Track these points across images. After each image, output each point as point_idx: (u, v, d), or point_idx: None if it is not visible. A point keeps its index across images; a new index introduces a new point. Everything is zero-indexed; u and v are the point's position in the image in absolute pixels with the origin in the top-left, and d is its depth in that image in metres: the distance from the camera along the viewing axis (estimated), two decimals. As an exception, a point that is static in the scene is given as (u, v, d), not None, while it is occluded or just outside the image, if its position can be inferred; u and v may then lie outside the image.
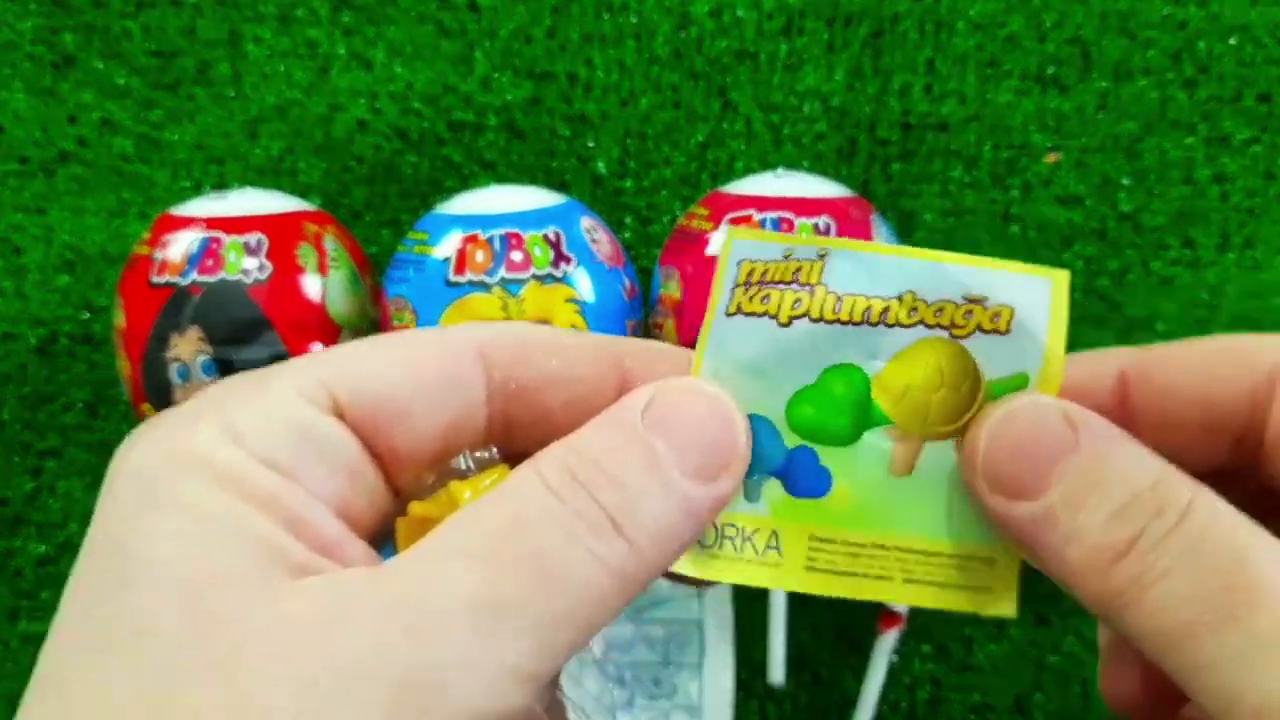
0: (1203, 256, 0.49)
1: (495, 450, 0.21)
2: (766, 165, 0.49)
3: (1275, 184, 0.49)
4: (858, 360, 0.21)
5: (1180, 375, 0.21)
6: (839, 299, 0.21)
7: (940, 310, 0.21)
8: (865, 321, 0.21)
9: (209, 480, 0.18)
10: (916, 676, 0.50)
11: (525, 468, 0.19)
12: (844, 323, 0.21)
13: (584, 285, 0.42)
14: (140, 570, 0.17)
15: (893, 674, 0.49)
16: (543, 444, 0.20)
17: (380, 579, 0.18)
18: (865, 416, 0.21)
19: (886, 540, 0.21)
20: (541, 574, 0.18)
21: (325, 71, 0.50)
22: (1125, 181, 0.49)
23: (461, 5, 0.49)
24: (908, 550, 0.21)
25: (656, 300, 0.44)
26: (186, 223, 0.43)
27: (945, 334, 0.21)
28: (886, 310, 0.21)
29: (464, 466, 0.21)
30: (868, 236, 0.42)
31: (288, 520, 0.18)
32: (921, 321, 0.21)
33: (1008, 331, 0.21)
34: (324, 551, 0.19)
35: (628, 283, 0.44)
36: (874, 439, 0.21)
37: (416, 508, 0.21)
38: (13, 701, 0.51)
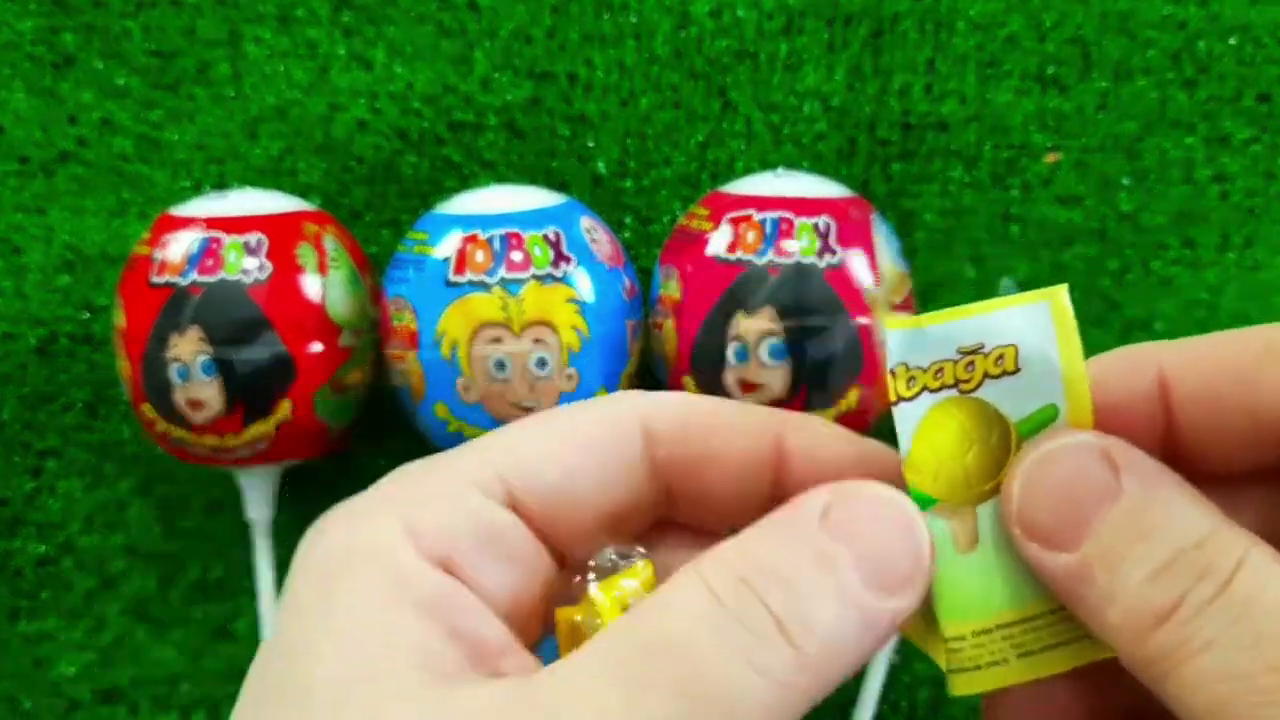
0: (1203, 256, 0.49)
1: (639, 548, 0.21)
2: (766, 165, 0.49)
3: (1275, 184, 0.49)
4: None
5: (1223, 375, 0.19)
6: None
7: (940, 371, 0.20)
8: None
9: (381, 582, 0.18)
10: (917, 676, 0.50)
11: (688, 570, 0.18)
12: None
13: (584, 285, 0.42)
14: (302, 669, 0.18)
15: (893, 674, 0.49)
16: (695, 521, 0.20)
17: (525, 694, 0.17)
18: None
19: (986, 624, 0.20)
20: (694, 695, 0.17)
21: (325, 71, 0.50)
22: (1125, 181, 0.49)
23: (461, 5, 0.49)
24: (1008, 624, 0.20)
25: (656, 300, 0.44)
26: (186, 223, 0.43)
27: (954, 393, 0.20)
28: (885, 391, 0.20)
29: (608, 563, 0.21)
30: (868, 237, 0.42)
31: (451, 628, 0.18)
32: (925, 389, 0.20)
33: (1017, 370, 0.19)
34: (482, 661, 0.18)
35: (628, 283, 0.44)
36: (930, 524, 0.20)
37: (562, 615, 0.20)
38: (13, 701, 0.51)
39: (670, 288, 0.43)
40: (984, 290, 0.49)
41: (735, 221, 0.42)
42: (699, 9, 0.49)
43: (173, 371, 0.42)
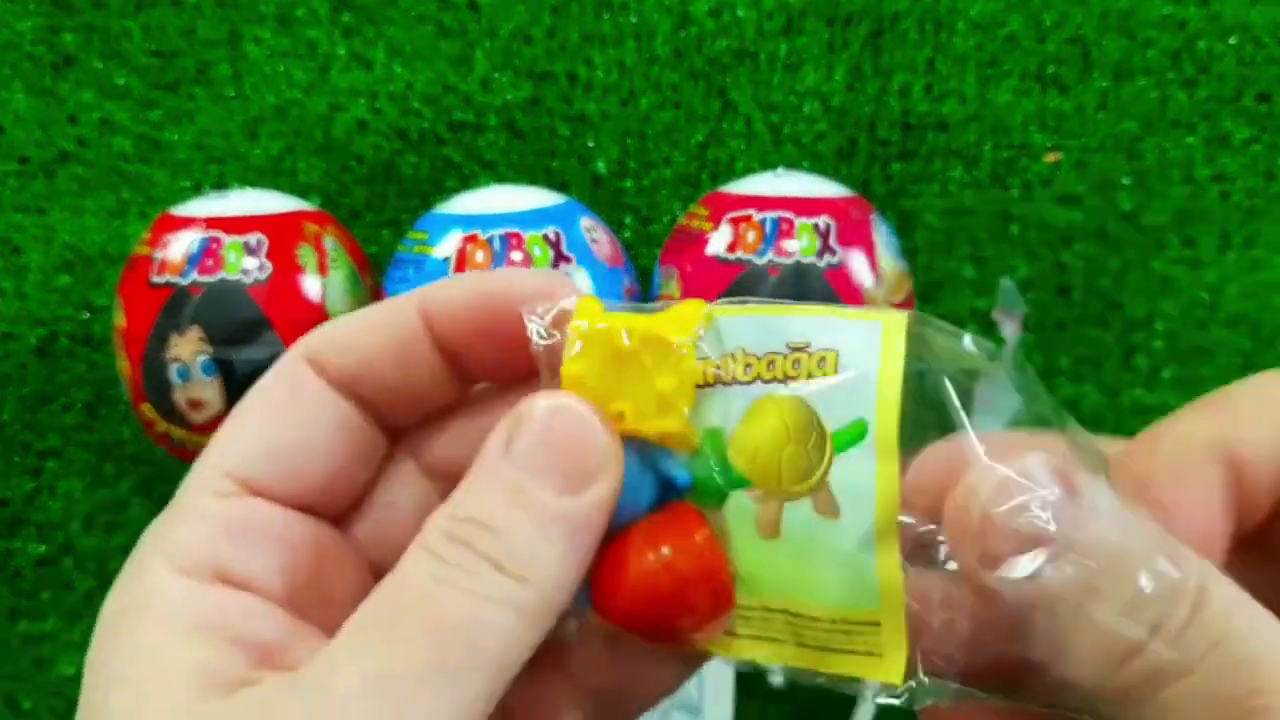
0: (1203, 256, 0.49)
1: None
2: (766, 165, 0.49)
3: (1275, 184, 0.49)
4: (719, 422, 0.21)
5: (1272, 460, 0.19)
6: (702, 366, 0.21)
7: (771, 363, 0.20)
8: (718, 382, 0.21)
9: (151, 624, 0.20)
10: (916, 676, 0.50)
11: (412, 545, 0.20)
12: (700, 386, 0.21)
13: (584, 285, 0.42)
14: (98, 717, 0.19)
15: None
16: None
17: (295, 681, 0.18)
18: (730, 478, 0.21)
19: (771, 603, 0.21)
20: (433, 632, 0.18)
21: (325, 71, 0.50)
22: (1125, 181, 0.49)
23: (461, 5, 0.49)
24: (794, 614, 0.21)
25: (656, 300, 0.44)
26: (186, 223, 0.43)
27: (782, 388, 0.20)
28: (721, 369, 0.20)
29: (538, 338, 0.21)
30: (868, 236, 0.42)
31: (230, 639, 0.19)
32: (759, 377, 0.20)
33: (836, 374, 0.20)
34: (270, 659, 0.20)
35: (628, 283, 0.44)
36: (741, 499, 0.21)
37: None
38: (13, 701, 0.51)
39: (670, 288, 0.43)
40: (984, 290, 0.49)
41: (735, 221, 0.42)
42: (699, 9, 0.49)
43: (173, 371, 0.42)
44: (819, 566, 0.20)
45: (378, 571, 0.22)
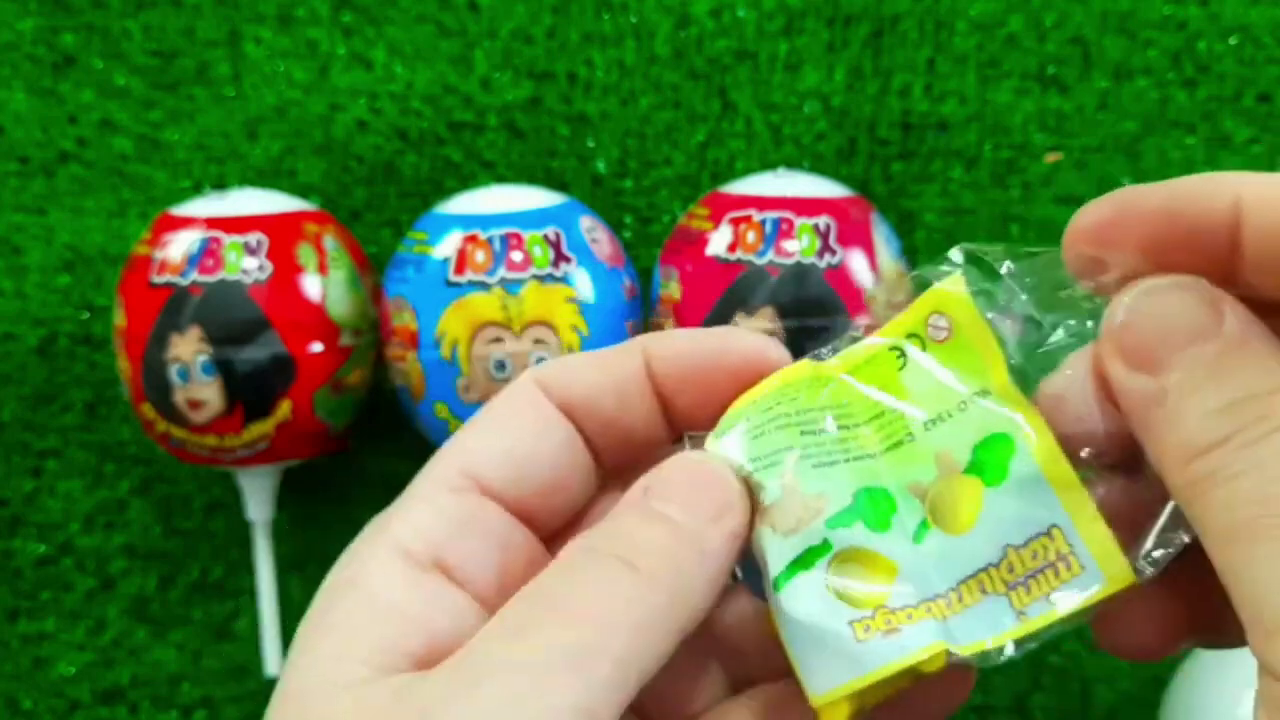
0: (1203, 256, 0.49)
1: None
2: (766, 165, 0.49)
3: (1275, 184, 0.49)
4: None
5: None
6: None
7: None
8: None
9: (360, 601, 0.21)
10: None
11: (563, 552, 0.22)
12: None
13: (584, 285, 0.42)
14: (285, 681, 0.21)
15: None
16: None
17: (440, 667, 0.20)
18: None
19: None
20: (559, 611, 0.20)
21: (325, 71, 0.50)
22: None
23: (461, 5, 0.49)
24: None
25: (656, 300, 0.44)
26: (186, 223, 0.43)
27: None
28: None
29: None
30: (868, 236, 0.42)
31: (423, 632, 0.21)
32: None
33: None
34: (447, 655, 0.21)
35: (628, 283, 0.44)
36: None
37: None
38: (13, 701, 0.51)
39: (670, 288, 0.43)
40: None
41: (735, 221, 0.42)
42: (699, 9, 0.49)
43: (173, 371, 0.42)
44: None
45: None
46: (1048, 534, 0.20)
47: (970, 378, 0.22)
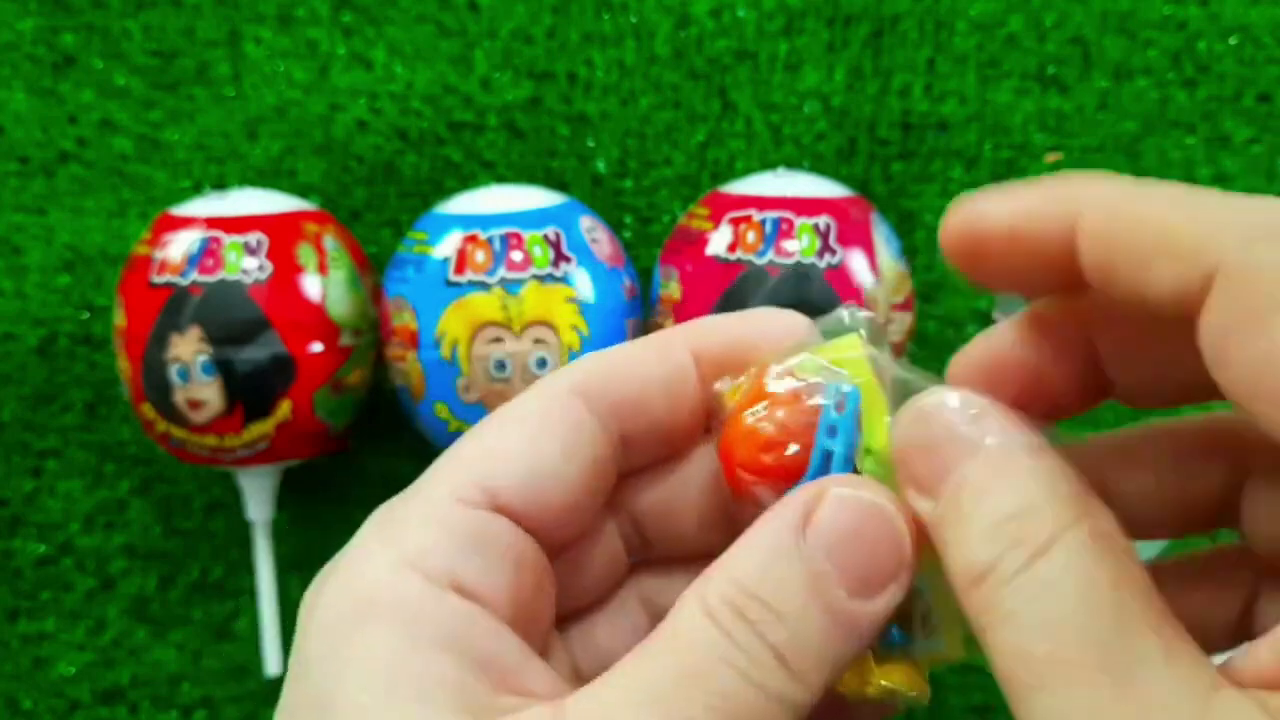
0: (1203, 256, 0.49)
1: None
2: (766, 165, 0.49)
3: (1276, 184, 0.49)
4: None
5: (1124, 252, 0.19)
6: None
7: None
8: None
9: (396, 627, 0.19)
10: (916, 676, 0.50)
11: (689, 600, 0.19)
12: None
13: (584, 285, 0.42)
14: None
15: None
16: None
17: (559, 717, 0.18)
18: None
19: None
20: (710, 713, 0.18)
21: (325, 71, 0.50)
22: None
23: (461, 5, 0.49)
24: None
25: (656, 300, 0.44)
26: (186, 223, 0.43)
27: None
28: None
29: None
30: (868, 236, 0.42)
31: (475, 657, 0.19)
32: None
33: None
34: (506, 682, 0.19)
35: (628, 283, 0.44)
36: None
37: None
38: (13, 702, 0.51)
39: (670, 288, 0.43)
40: (984, 290, 0.49)
41: (735, 221, 0.42)
42: (699, 9, 0.49)
43: (173, 371, 0.42)
44: None
45: (560, 604, 0.23)
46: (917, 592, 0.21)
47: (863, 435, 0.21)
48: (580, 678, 0.23)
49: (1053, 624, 0.17)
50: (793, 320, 0.23)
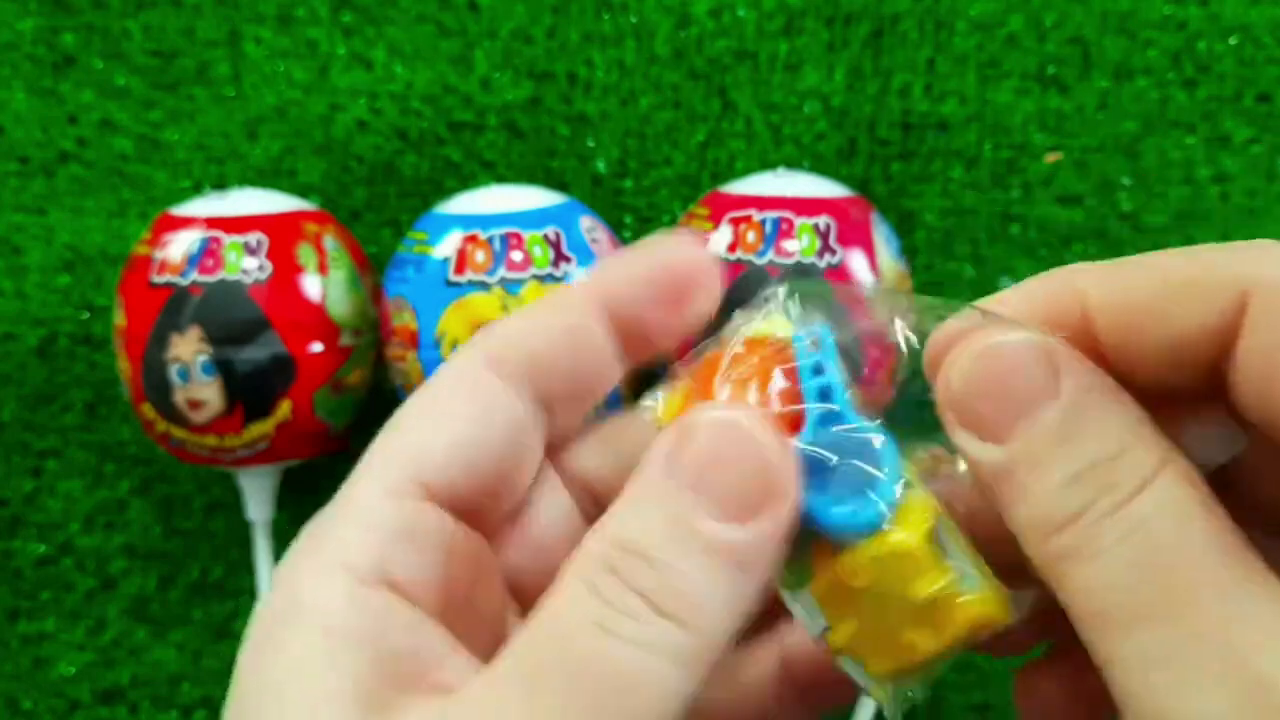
0: (1203, 256, 0.49)
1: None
2: (766, 165, 0.49)
3: (1276, 184, 0.49)
4: None
5: (1142, 305, 0.18)
6: None
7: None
8: None
9: (308, 630, 0.19)
10: (916, 676, 0.50)
11: (567, 566, 0.18)
12: None
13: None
14: None
15: (893, 674, 0.49)
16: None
17: (443, 716, 0.18)
18: None
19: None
20: (592, 686, 0.17)
21: (325, 71, 0.50)
22: (1125, 181, 0.49)
23: (461, 5, 0.49)
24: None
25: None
26: (186, 223, 0.43)
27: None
28: None
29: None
30: (868, 236, 0.42)
31: (385, 652, 0.19)
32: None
33: None
34: (423, 676, 0.19)
35: (628, 283, 0.44)
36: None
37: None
38: (13, 702, 0.51)
39: (670, 288, 0.43)
40: (984, 290, 0.49)
41: (735, 221, 0.42)
42: (699, 9, 0.49)
43: (173, 371, 0.42)
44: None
45: (512, 583, 0.22)
46: None
47: None
48: None
49: (1151, 561, 0.16)
50: (694, 248, 0.22)
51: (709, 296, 0.22)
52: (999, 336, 0.18)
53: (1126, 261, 0.19)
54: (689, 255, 0.22)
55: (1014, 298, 0.20)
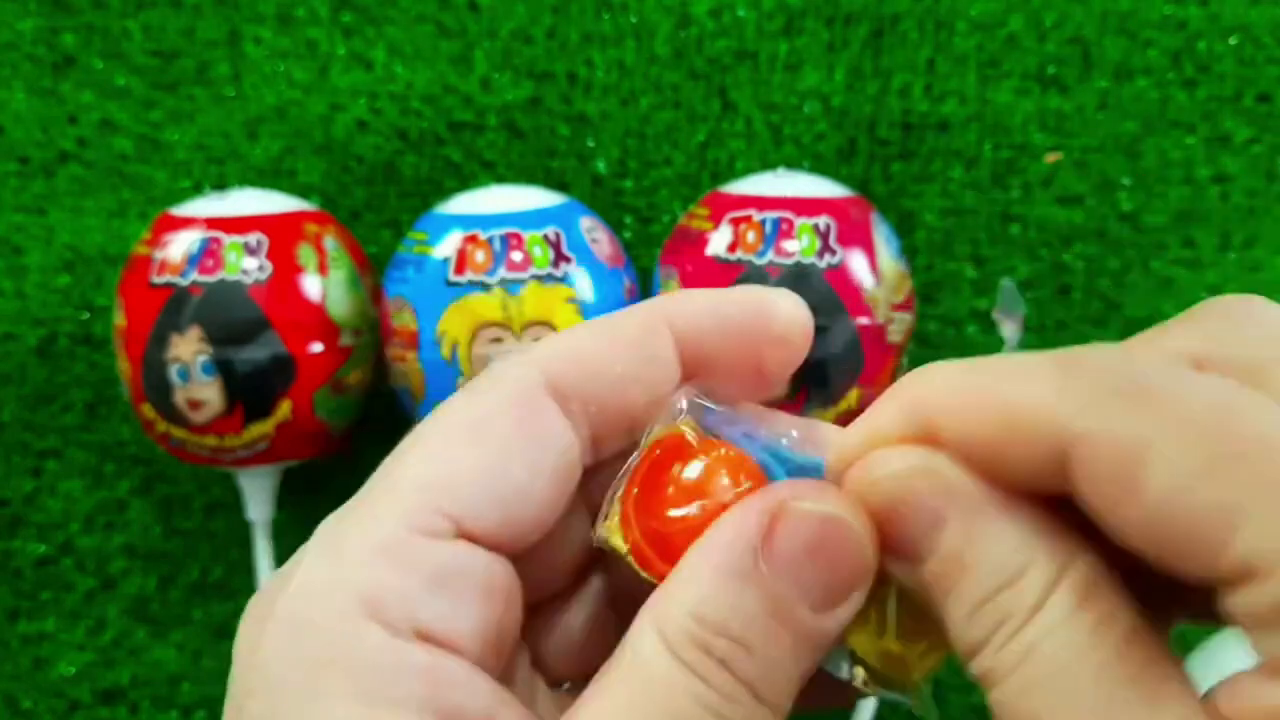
0: (1203, 256, 0.49)
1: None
2: (766, 165, 0.49)
3: (1275, 184, 0.49)
4: None
5: (985, 448, 0.18)
6: None
7: None
8: None
9: (353, 693, 0.18)
10: (916, 676, 0.50)
11: (648, 633, 0.18)
12: None
13: (584, 285, 0.42)
14: None
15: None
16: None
17: None
18: None
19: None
20: None
21: (325, 71, 0.50)
22: (1125, 181, 0.49)
23: (461, 5, 0.49)
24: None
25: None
26: (186, 223, 0.43)
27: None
28: None
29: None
30: (868, 236, 0.42)
31: (440, 712, 0.18)
32: None
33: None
34: None
35: (628, 283, 0.44)
36: None
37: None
38: (13, 702, 0.51)
39: (670, 288, 0.43)
40: (984, 290, 0.49)
41: (735, 221, 0.42)
42: (699, 9, 0.49)
43: (173, 372, 0.42)
44: None
45: (527, 595, 0.21)
46: None
47: None
48: (542, 667, 0.22)
49: (1040, 688, 0.17)
50: (786, 300, 0.21)
51: (789, 357, 0.21)
52: (883, 467, 0.18)
53: (972, 387, 0.18)
54: (782, 309, 0.21)
55: (872, 423, 0.19)
